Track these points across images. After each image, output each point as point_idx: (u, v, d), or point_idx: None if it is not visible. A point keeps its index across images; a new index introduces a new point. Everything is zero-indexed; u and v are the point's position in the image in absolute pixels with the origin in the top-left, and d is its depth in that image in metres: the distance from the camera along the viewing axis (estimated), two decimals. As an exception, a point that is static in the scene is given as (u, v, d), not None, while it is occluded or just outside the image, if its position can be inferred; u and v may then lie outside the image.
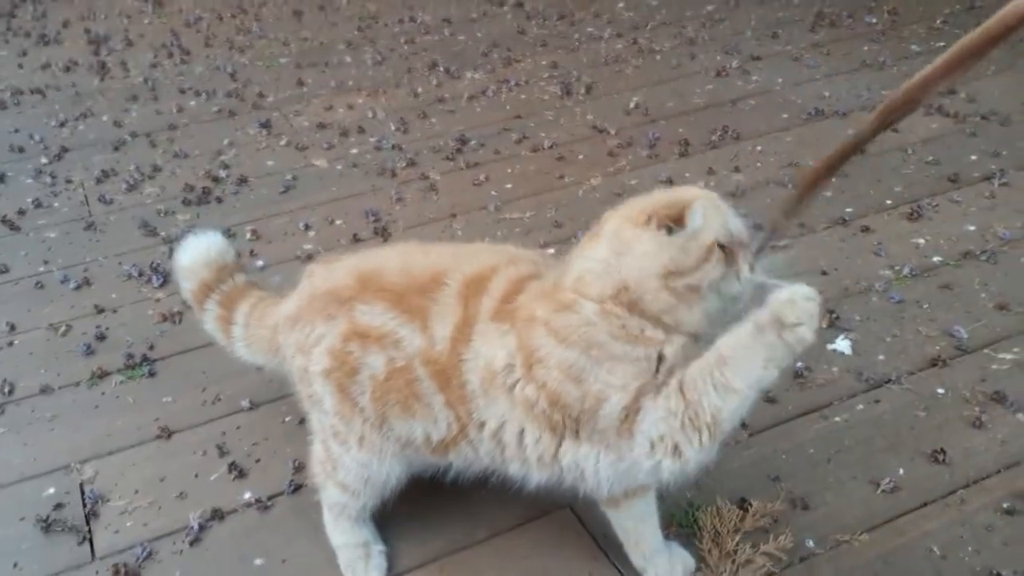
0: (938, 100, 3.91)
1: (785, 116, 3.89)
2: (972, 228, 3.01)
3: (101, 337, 2.70)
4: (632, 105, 4.06)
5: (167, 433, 2.33)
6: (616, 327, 1.52)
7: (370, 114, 4.14)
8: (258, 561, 1.97)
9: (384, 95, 4.35)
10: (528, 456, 1.66)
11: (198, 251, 2.14)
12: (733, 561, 1.88)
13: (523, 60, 4.68)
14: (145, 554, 1.98)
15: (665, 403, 1.50)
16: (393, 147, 3.80)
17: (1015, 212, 3.08)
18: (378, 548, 1.95)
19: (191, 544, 2.01)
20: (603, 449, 1.58)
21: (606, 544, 1.95)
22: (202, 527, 2.05)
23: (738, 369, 1.44)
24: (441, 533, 2.01)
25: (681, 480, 1.58)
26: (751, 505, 2.00)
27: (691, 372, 1.49)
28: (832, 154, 1.40)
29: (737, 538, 1.93)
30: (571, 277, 1.58)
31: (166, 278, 2.96)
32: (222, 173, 3.64)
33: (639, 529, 1.84)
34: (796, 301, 1.39)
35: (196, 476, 2.21)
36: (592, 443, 1.58)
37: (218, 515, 2.08)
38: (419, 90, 4.37)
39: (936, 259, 2.86)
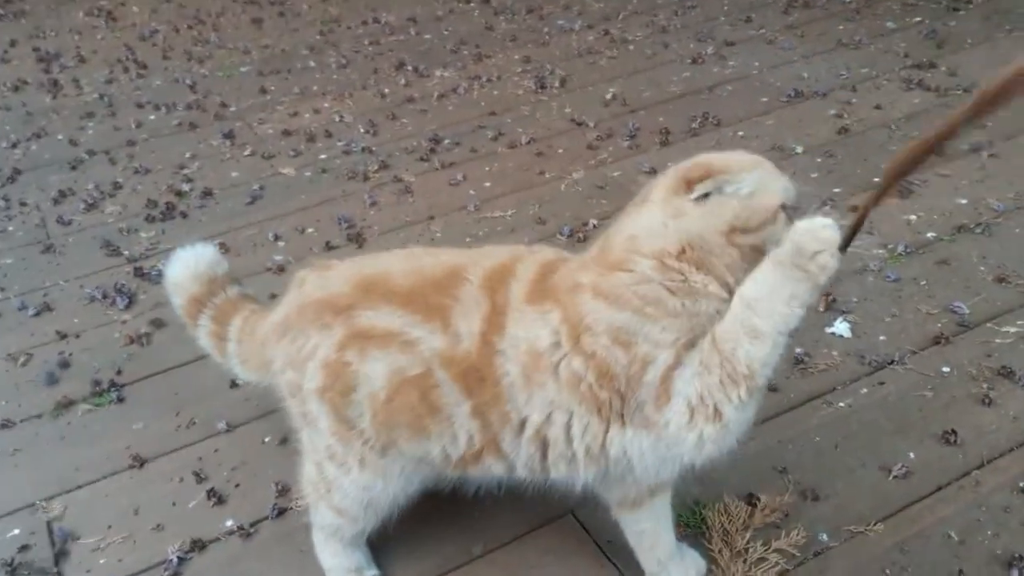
0: (919, 74, 3.84)
1: (764, 100, 3.80)
2: (964, 202, 2.93)
3: (64, 364, 2.56)
4: (609, 96, 3.96)
5: (140, 462, 2.20)
6: (676, 282, 1.43)
7: (337, 118, 4.02)
8: (242, 591, 1.86)
9: (350, 98, 4.23)
10: (576, 450, 1.54)
11: (186, 265, 2.01)
12: (744, 560, 1.79)
13: (494, 56, 4.57)
14: (121, 592, 1.86)
15: (698, 356, 1.41)
16: (363, 150, 3.69)
17: (1006, 183, 3.01)
18: (372, 573, 1.83)
19: (170, 578, 1.90)
20: (646, 431, 1.48)
21: (611, 551, 1.85)
22: (181, 560, 1.93)
23: (763, 311, 1.36)
24: (435, 551, 1.90)
25: (722, 453, 1.48)
26: (759, 500, 1.91)
27: (722, 324, 1.41)
28: (920, 143, 1.33)
29: (747, 536, 1.83)
30: (620, 239, 1.49)
31: (131, 299, 2.83)
32: (186, 187, 3.51)
33: (656, 531, 1.73)
34: (815, 230, 1.33)
35: (173, 505, 2.08)
36: (636, 426, 1.48)
37: (198, 546, 1.96)
38: (386, 91, 4.25)
39: (930, 235, 2.78)
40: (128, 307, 2.80)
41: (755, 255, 1.42)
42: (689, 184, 1.43)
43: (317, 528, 1.85)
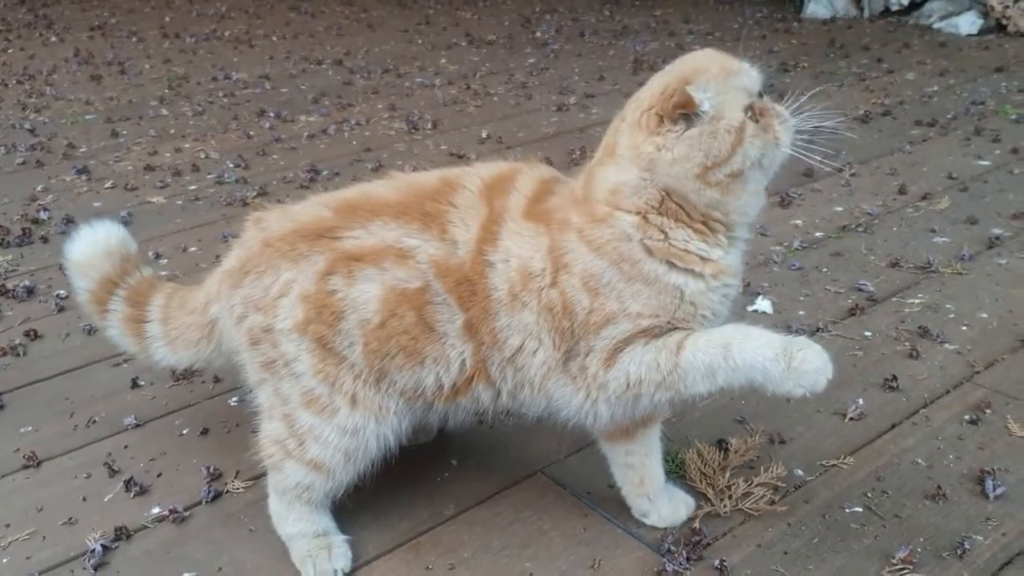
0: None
1: (633, 136, 3.95)
2: (840, 209, 3.13)
3: (-76, 376, 2.24)
4: (484, 135, 4.00)
5: (35, 461, 1.93)
6: (657, 240, 1.40)
7: (202, 155, 3.84)
8: (188, 574, 1.63)
9: (213, 139, 4.06)
10: (534, 379, 1.50)
11: (95, 242, 1.82)
12: (730, 496, 1.75)
13: (357, 105, 4.54)
14: (39, 584, 1.60)
15: (655, 355, 1.41)
16: (237, 181, 3.52)
17: (870, 195, 3.24)
18: (340, 538, 1.66)
19: (96, 568, 1.64)
20: (572, 381, 1.47)
21: (592, 501, 1.76)
22: (107, 548, 1.68)
23: (733, 371, 1.39)
24: (405, 515, 1.75)
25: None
26: (730, 444, 1.89)
27: (697, 342, 1.40)
28: None
29: (727, 475, 1.80)
30: (603, 191, 1.44)
31: (-3, 314, 2.54)
32: (43, 215, 3.21)
33: (646, 465, 1.67)
34: (824, 357, 1.40)
35: (84, 500, 1.83)
36: (569, 370, 1.47)
37: (124, 534, 1.72)
38: (251, 133, 4.12)
39: (818, 234, 2.93)
40: (-7, 322, 2.51)
41: (736, 182, 1.38)
42: (686, 106, 1.35)
43: (279, 494, 1.65)
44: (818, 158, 1.46)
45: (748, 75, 1.40)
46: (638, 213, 1.42)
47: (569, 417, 1.54)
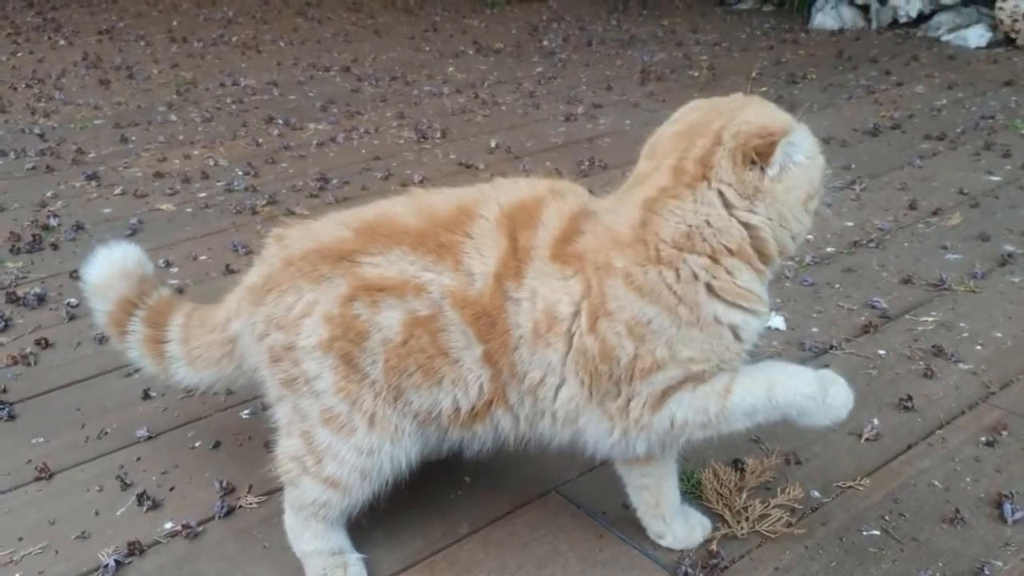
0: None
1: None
2: (851, 224, 3.12)
3: (-68, 386, 2.23)
4: (493, 145, 4.00)
5: (47, 473, 1.92)
6: (724, 281, 1.40)
7: (211, 162, 3.83)
8: (201, 591, 1.62)
9: (222, 146, 4.05)
10: (556, 411, 1.50)
11: (112, 263, 1.81)
12: (747, 518, 1.74)
13: (366, 113, 4.53)
14: (53, 599, 1.58)
15: (704, 401, 1.44)
16: (246, 189, 3.51)
17: (881, 209, 3.24)
18: (355, 556, 1.65)
19: (109, 584, 1.63)
20: (609, 419, 1.48)
21: (608, 521, 1.76)
22: (120, 564, 1.67)
23: (773, 409, 1.46)
24: (419, 534, 1.74)
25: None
26: (746, 464, 1.88)
27: (744, 384, 1.44)
28: None
29: (743, 496, 1.79)
30: (670, 232, 1.39)
31: (7, 323, 2.52)
32: (52, 222, 3.21)
33: (662, 487, 1.66)
34: (849, 391, 1.51)
35: (97, 513, 1.82)
36: (606, 411, 1.47)
37: (137, 549, 1.71)
38: (260, 140, 4.11)
39: (830, 249, 2.93)
40: (3, 331, 2.50)
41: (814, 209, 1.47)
42: (760, 156, 1.37)
43: (295, 510, 1.64)
44: None
45: None
46: (711, 255, 1.40)
47: (600, 451, 1.54)
